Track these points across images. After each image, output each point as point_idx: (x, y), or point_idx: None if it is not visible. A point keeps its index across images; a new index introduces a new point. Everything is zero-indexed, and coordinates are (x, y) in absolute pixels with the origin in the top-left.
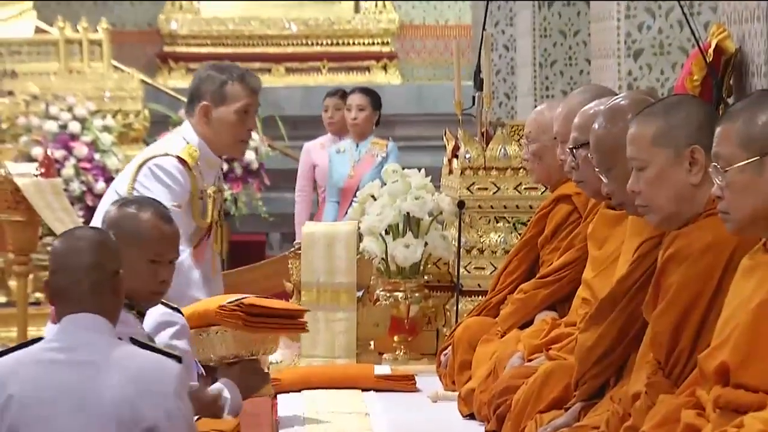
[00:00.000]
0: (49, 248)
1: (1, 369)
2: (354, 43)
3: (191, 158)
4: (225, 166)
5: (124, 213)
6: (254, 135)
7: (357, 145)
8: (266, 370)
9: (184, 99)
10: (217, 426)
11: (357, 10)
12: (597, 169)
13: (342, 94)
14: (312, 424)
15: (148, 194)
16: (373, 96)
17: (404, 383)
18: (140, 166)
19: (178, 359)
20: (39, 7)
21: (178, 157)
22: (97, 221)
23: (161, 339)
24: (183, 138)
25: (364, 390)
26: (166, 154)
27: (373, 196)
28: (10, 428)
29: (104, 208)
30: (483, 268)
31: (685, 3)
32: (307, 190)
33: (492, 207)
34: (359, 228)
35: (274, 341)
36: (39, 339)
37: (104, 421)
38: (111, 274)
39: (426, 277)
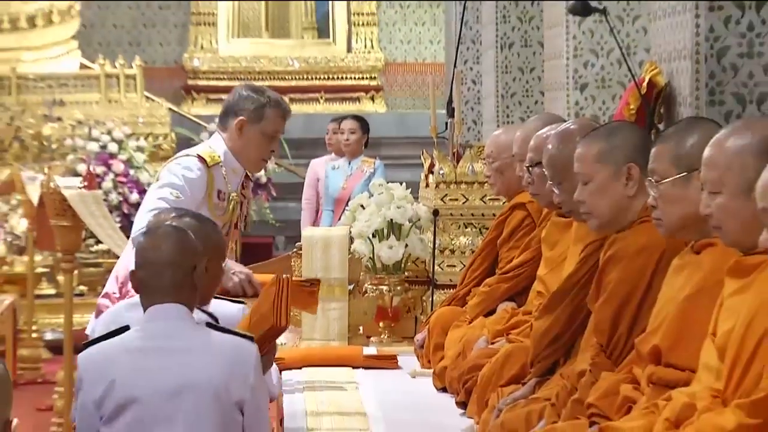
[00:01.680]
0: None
1: (100, 356)
2: (347, 78)
3: (210, 159)
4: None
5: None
6: None
7: (349, 163)
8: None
9: (205, 124)
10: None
11: (349, 50)
12: (550, 182)
13: (341, 120)
14: (310, 395)
15: (161, 180)
16: (362, 122)
17: (388, 362)
18: (164, 167)
19: (251, 339)
20: (83, 47)
21: (198, 156)
22: (138, 223)
23: None
24: (209, 146)
25: (354, 368)
26: (188, 155)
27: (362, 206)
28: (115, 410)
29: (143, 209)
30: (454, 266)
31: (623, 45)
32: (312, 200)
33: (461, 215)
34: (350, 232)
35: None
36: (126, 328)
37: (201, 400)
38: (189, 269)
39: (406, 273)
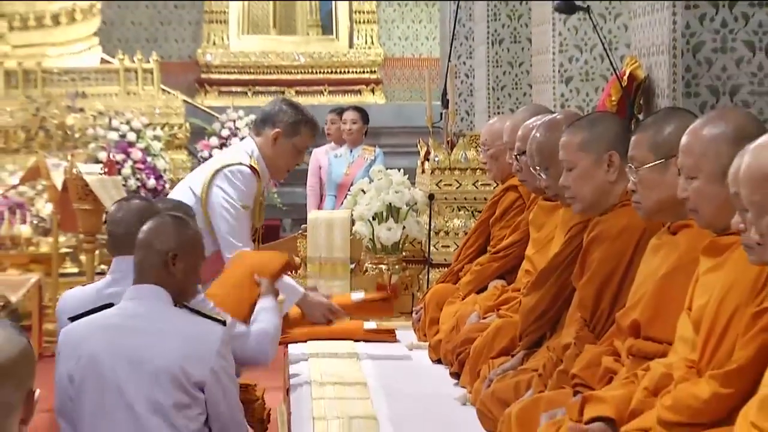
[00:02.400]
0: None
1: (76, 333)
2: (349, 72)
3: (258, 168)
4: None
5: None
6: None
7: (351, 151)
8: None
9: (217, 115)
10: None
11: (351, 46)
12: (537, 168)
13: (339, 111)
14: (315, 366)
15: (223, 195)
16: (363, 113)
17: (387, 336)
18: (216, 172)
19: (223, 323)
20: (104, 43)
21: (250, 166)
22: (235, 240)
23: None
24: (246, 152)
25: (356, 341)
26: (240, 163)
27: (363, 190)
28: (79, 385)
29: (178, 195)
30: (448, 246)
31: (605, 41)
32: (315, 187)
33: (455, 199)
34: (352, 215)
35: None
36: (110, 305)
37: (159, 379)
38: (161, 253)
39: (404, 253)
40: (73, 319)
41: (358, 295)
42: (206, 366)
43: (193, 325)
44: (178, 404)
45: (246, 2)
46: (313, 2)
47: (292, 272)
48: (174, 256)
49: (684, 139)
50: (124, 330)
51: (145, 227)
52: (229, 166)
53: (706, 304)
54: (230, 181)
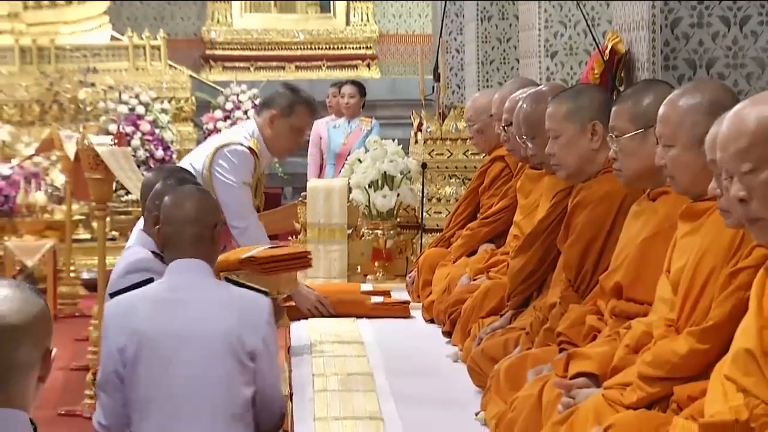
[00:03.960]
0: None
1: (124, 306)
2: (346, 48)
3: (257, 149)
4: None
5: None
6: None
7: (349, 122)
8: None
9: (221, 89)
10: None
11: (348, 23)
12: (524, 138)
13: (340, 85)
14: (314, 327)
15: (224, 172)
16: (360, 87)
17: (400, 310)
18: (217, 150)
19: (266, 293)
20: (113, 21)
21: (249, 147)
22: (240, 218)
23: None
24: (247, 133)
25: (367, 317)
26: (240, 144)
27: (359, 160)
28: (134, 358)
29: (235, 206)
30: (440, 212)
31: (588, 17)
32: (316, 156)
33: (447, 167)
34: (349, 183)
35: (291, 281)
36: (151, 280)
37: (215, 348)
38: (210, 226)
39: (398, 219)
40: (113, 294)
41: (378, 299)
42: (259, 334)
43: (242, 296)
44: (233, 373)
45: None
46: None
47: (292, 238)
48: (214, 226)
49: (661, 110)
50: (175, 303)
51: (188, 203)
52: (228, 145)
53: (684, 266)
54: (229, 160)
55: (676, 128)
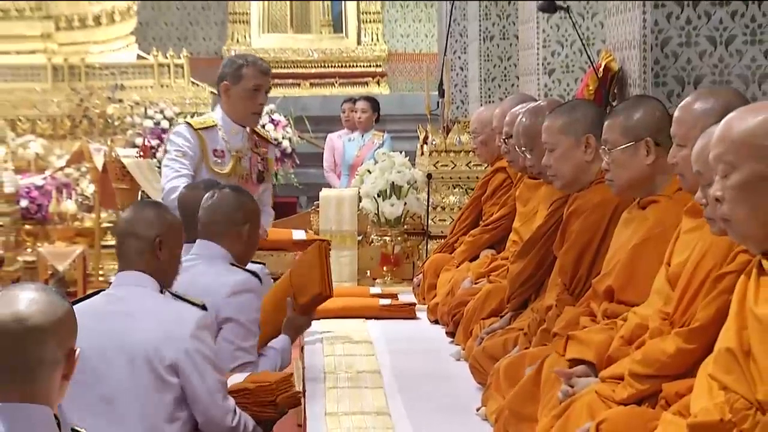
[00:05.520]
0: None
1: None
2: (357, 66)
3: (199, 123)
4: (277, 152)
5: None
6: (288, 129)
7: (362, 136)
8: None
9: None
10: (266, 378)
11: (359, 43)
12: (523, 149)
13: (354, 101)
14: (326, 325)
15: (169, 150)
16: (373, 102)
17: (406, 311)
18: None
19: (203, 307)
20: (140, 41)
21: (186, 122)
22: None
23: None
24: (208, 115)
25: (373, 318)
26: (181, 123)
27: (369, 171)
28: None
29: (163, 174)
30: (445, 220)
31: (583, 37)
32: (333, 166)
33: (451, 178)
34: (359, 192)
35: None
36: (101, 291)
37: (136, 361)
38: (148, 240)
39: (405, 226)
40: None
41: (299, 234)
42: (180, 348)
43: (168, 308)
44: (151, 386)
45: (266, 4)
46: (326, 4)
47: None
48: (160, 242)
49: (677, 112)
50: (105, 315)
51: (124, 215)
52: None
53: (685, 261)
54: (170, 140)
55: (689, 130)
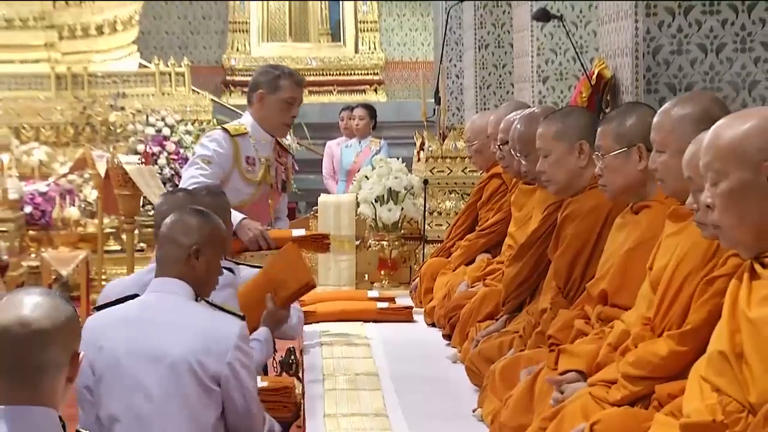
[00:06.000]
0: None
1: (97, 323)
2: (354, 74)
3: (234, 130)
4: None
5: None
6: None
7: (359, 142)
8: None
9: (240, 112)
10: (281, 380)
11: (357, 51)
12: (518, 155)
13: (351, 109)
14: (325, 328)
15: (195, 153)
16: (370, 109)
17: (403, 314)
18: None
19: (242, 317)
20: (142, 50)
21: (222, 128)
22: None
23: None
24: (238, 121)
25: (371, 321)
26: (215, 129)
27: (366, 177)
28: (99, 377)
29: (185, 177)
30: (441, 225)
31: (577, 45)
32: (331, 172)
33: (447, 183)
34: (357, 198)
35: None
36: (135, 296)
37: (175, 371)
38: (186, 247)
39: (402, 231)
40: (98, 308)
41: (299, 232)
42: (223, 360)
43: (211, 319)
44: (196, 396)
45: (265, 14)
46: (324, 13)
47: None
48: (197, 250)
49: (656, 118)
50: (144, 323)
51: (167, 221)
52: (206, 134)
53: (666, 265)
54: (201, 144)
55: (667, 135)
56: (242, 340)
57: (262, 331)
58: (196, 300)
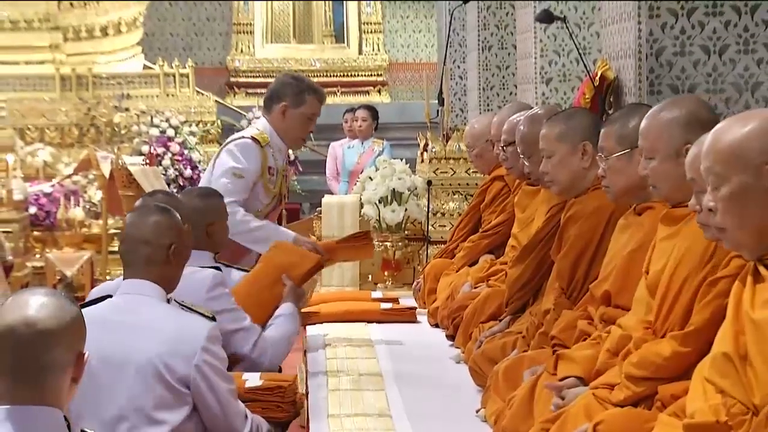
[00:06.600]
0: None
1: None
2: (358, 75)
3: (262, 140)
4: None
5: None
6: None
7: (362, 143)
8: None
9: (244, 113)
10: (277, 378)
11: (360, 52)
12: (522, 156)
13: (354, 110)
14: (329, 328)
15: (222, 162)
16: (372, 110)
17: (407, 315)
18: (224, 147)
19: (212, 318)
20: (146, 51)
21: (252, 137)
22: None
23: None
24: (256, 128)
25: (375, 322)
26: (243, 137)
27: (370, 178)
28: None
29: (203, 180)
30: (444, 226)
31: (580, 46)
32: (335, 173)
33: (450, 184)
34: (361, 199)
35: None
36: (108, 296)
37: (143, 373)
38: (163, 247)
39: (406, 232)
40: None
41: (387, 305)
42: (190, 362)
43: (180, 321)
44: (162, 399)
45: (269, 15)
46: (328, 15)
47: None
48: (175, 249)
49: (643, 123)
50: (110, 325)
51: (134, 221)
52: (234, 140)
53: (663, 269)
54: (231, 153)
55: (656, 140)
56: (211, 341)
57: (287, 306)
58: (168, 301)
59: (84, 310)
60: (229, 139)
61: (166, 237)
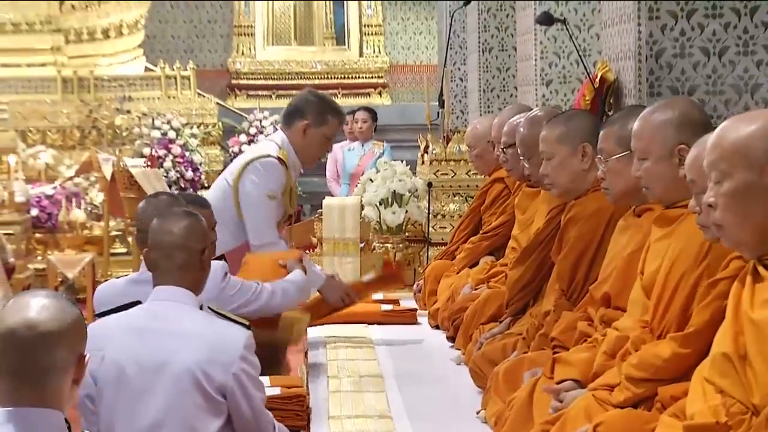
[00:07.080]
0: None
1: (100, 331)
2: (359, 77)
3: (285, 158)
4: None
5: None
6: None
7: (362, 145)
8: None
9: (245, 115)
10: (287, 382)
11: (361, 54)
12: (522, 158)
13: (353, 112)
14: (329, 330)
15: (253, 185)
16: (372, 112)
17: (407, 317)
18: (248, 164)
19: (247, 326)
20: (147, 53)
21: (278, 158)
22: (263, 232)
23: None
24: (276, 144)
25: (375, 323)
26: (269, 156)
27: (371, 179)
28: (101, 387)
29: (216, 187)
30: (445, 227)
31: (580, 48)
32: (335, 175)
33: (450, 186)
34: (361, 201)
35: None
36: (137, 302)
37: (179, 381)
38: (197, 252)
39: (406, 234)
40: (100, 315)
41: (369, 276)
42: (228, 370)
43: (215, 328)
44: (199, 407)
45: (270, 17)
46: (329, 17)
47: (309, 251)
48: (207, 253)
49: (636, 125)
50: (148, 332)
51: (169, 227)
52: (259, 158)
53: (657, 269)
54: (259, 172)
55: (649, 142)
56: (248, 350)
57: (296, 274)
58: (200, 307)
59: (116, 317)
60: (251, 155)
61: (200, 242)
